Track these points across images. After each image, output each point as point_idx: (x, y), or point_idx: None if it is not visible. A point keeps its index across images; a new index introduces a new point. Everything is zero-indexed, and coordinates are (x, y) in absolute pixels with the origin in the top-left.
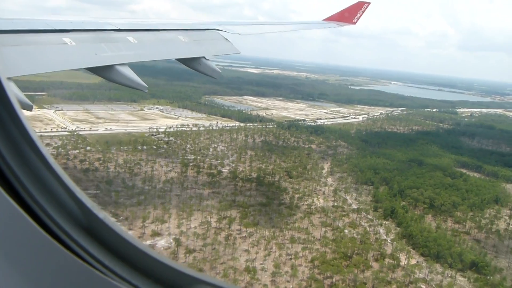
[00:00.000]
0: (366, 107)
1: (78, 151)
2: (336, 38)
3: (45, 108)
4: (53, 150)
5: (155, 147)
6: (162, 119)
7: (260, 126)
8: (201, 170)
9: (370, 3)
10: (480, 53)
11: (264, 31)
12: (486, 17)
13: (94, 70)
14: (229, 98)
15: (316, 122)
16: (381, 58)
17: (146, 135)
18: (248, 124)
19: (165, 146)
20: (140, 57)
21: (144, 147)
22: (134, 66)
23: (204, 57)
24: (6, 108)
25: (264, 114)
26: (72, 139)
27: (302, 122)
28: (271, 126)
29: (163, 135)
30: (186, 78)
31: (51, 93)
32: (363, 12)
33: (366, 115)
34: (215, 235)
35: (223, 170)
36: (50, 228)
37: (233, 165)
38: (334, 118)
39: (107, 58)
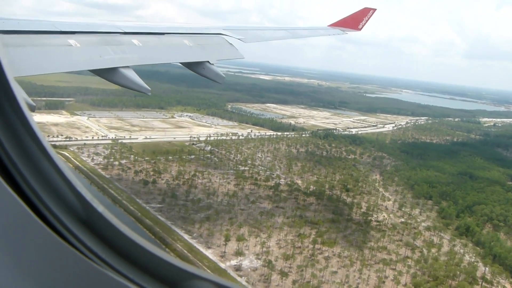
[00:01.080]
0: (389, 115)
1: (126, 160)
2: (342, 45)
3: (77, 114)
4: (103, 159)
5: (202, 157)
6: (196, 127)
7: (296, 135)
8: (257, 182)
9: (375, 9)
10: (486, 62)
11: (269, 36)
12: (493, 26)
13: (98, 72)
14: (253, 105)
15: (347, 131)
16: (386, 65)
17: (187, 144)
18: (283, 133)
19: (210, 156)
20: (145, 60)
21: (191, 156)
22: (154, 72)
23: (208, 61)
24: (12, 107)
25: (293, 123)
26: (115, 147)
27: (334, 131)
28: (306, 135)
29: (203, 143)
30: (205, 85)
31: (79, 99)
32: (368, 18)
33: (392, 124)
34: (299, 254)
35: (278, 182)
36: (49, 220)
37: (285, 176)
38: (363, 127)
39: (111, 61)
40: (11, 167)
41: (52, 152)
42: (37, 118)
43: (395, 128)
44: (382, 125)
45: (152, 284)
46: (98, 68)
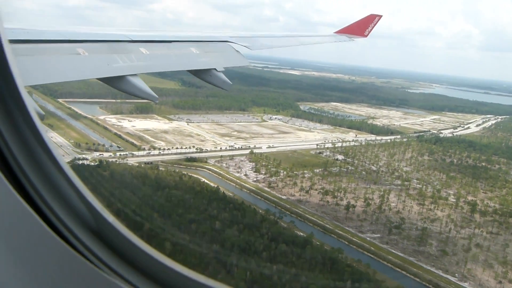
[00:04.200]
0: (456, 114)
1: (276, 177)
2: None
3: (172, 119)
4: (256, 174)
5: (345, 169)
6: (299, 132)
7: (404, 139)
8: (435, 200)
9: (381, 16)
10: (500, 54)
11: (276, 44)
12: (508, 17)
13: (106, 81)
14: (321, 104)
15: (443, 133)
16: (398, 58)
17: (312, 152)
18: (388, 137)
19: (351, 167)
20: (152, 68)
21: (334, 169)
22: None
23: (215, 69)
24: (24, 116)
25: (380, 124)
26: (251, 159)
27: (432, 134)
28: (410, 139)
29: (328, 151)
30: (262, 83)
31: (161, 100)
32: (374, 25)
33: (472, 124)
34: None
35: (456, 201)
36: (59, 230)
37: (453, 192)
38: (447, 128)
39: (119, 69)
40: (22, 177)
41: (62, 162)
42: (139, 124)
43: (482, 128)
44: (464, 126)
45: None
46: (106, 76)
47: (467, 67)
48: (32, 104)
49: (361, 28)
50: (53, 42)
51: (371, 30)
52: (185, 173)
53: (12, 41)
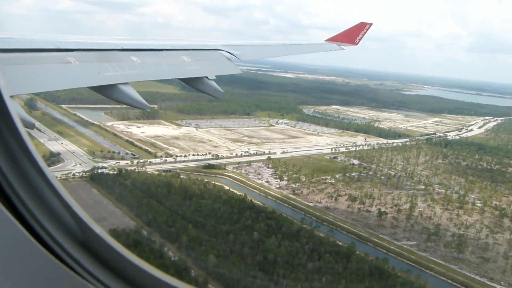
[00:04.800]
0: (455, 116)
1: (299, 183)
2: None
3: (179, 124)
4: (278, 181)
5: (364, 174)
6: (308, 136)
7: (412, 143)
8: (462, 205)
9: (372, 24)
10: (488, 55)
11: (267, 53)
12: (495, 19)
13: (97, 89)
14: (322, 108)
15: (448, 136)
16: (386, 60)
17: (327, 157)
18: (398, 141)
19: (369, 172)
20: (144, 77)
21: (353, 174)
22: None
23: (207, 77)
24: (7, 125)
25: (386, 128)
26: (269, 165)
27: (440, 136)
28: (419, 142)
29: (342, 156)
30: (260, 87)
31: (162, 105)
32: (365, 33)
33: (474, 126)
34: None
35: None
36: (45, 241)
37: (475, 196)
38: (451, 130)
39: (110, 78)
40: (7, 187)
41: (48, 172)
42: (148, 130)
43: (484, 130)
44: (467, 128)
45: None
46: (97, 85)
47: (456, 69)
48: (18, 112)
49: (351, 36)
50: (43, 51)
51: (361, 38)
52: (207, 181)
53: (2, 50)
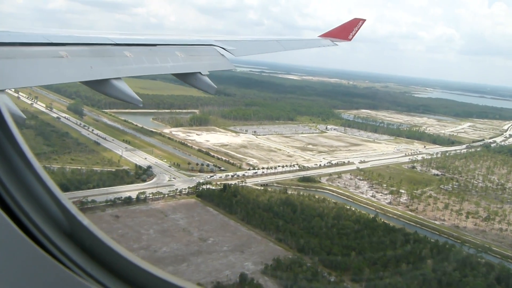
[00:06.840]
0: (484, 120)
1: (406, 198)
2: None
3: (233, 131)
4: (384, 195)
5: (457, 186)
6: (368, 144)
7: (472, 150)
8: None
9: (365, 20)
10: (478, 57)
11: (260, 49)
12: (485, 22)
13: (90, 84)
14: (354, 112)
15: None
16: (378, 62)
17: (404, 167)
18: (456, 148)
19: (462, 184)
20: (137, 72)
21: (448, 186)
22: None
23: (200, 72)
24: None
25: (432, 133)
26: (359, 177)
27: (490, 143)
28: (476, 149)
29: (419, 165)
30: (278, 90)
31: (204, 110)
32: (358, 29)
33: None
34: None
35: None
36: (31, 232)
37: None
38: (492, 137)
39: (102, 72)
40: None
41: (36, 164)
42: (209, 138)
43: None
44: (505, 133)
45: None
46: (90, 79)
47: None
48: (8, 107)
49: (345, 32)
50: (35, 45)
51: (355, 33)
52: (317, 196)
53: None
